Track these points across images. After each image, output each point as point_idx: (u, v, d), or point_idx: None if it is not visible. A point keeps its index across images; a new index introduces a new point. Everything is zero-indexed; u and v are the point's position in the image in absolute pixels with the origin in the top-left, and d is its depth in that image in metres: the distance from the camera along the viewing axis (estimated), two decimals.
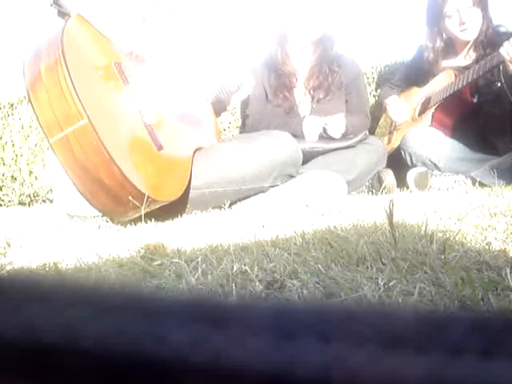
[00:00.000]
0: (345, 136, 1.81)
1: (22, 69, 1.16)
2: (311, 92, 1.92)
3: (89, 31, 1.25)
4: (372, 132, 2.17)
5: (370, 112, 2.06)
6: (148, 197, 1.14)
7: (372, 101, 2.65)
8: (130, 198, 1.13)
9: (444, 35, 1.98)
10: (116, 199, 1.15)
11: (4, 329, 0.13)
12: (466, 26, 1.87)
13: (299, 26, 1.87)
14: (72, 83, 1.08)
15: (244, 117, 2.02)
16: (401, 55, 2.72)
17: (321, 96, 1.90)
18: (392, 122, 2.20)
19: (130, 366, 0.12)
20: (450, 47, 2.00)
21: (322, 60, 1.92)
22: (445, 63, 2.03)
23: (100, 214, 1.30)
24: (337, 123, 1.79)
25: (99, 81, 1.21)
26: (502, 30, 1.91)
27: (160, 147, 1.25)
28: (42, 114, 1.12)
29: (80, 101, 1.08)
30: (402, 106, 2.11)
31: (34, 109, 1.14)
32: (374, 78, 2.76)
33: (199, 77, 1.59)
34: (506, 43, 1.64)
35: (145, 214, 1.16)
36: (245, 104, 1.92)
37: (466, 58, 1.99)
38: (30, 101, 1.15)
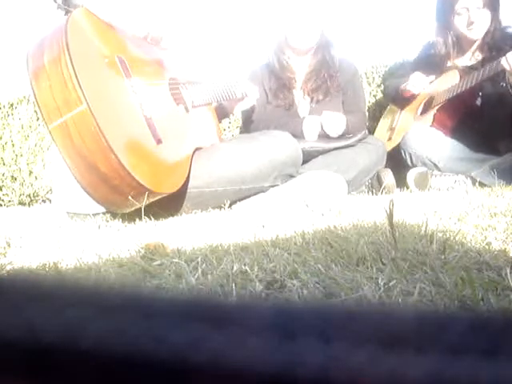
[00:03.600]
0: (343, 135, 1.82)
1: (26, 58, 1.17)
2: (310, 94, 1.94)
3: (94, 23, 1.26)
4: (372, 132, 2.17)
5: (370, 112, 2.06)
6: (145, 187, 1.14)
7: (372, 101, 2.65)
8: (126, 187, 1.13)
9: (452, 32, 1.98)
10: (113, 188, 1.15)
11: (4, 329, 0.13)
12: (474, 25, 1.87)
13: (294, 35, 1.89)
14: (74, 71, 1.09)
15: (244, 117, 2.03)
16: (401, 55, 2.72)
17: (320, 97, 1.92)
18: (393, 121, 2.19)
19: (130, 365, 0.12)
20: (458, 45, 2.00)
21: (321, 64, 1.94)
22: (454, 61, 2.02)
23: (100, 212, 1.29)
24: (334, 121, 1.80)
25: (101, 71, 1.21)
26: (510, 30, 1.91)
27: (159, 141, 1.25)
28: (42, 100, 1.13)
29: (80, 87, 1.09)
30: (421, 77, 2.06)
31: (34, 95, 1.15)
32: (373, 78, 2.76)
33: (204, 76, 1.59)
34: (508, 54, 1.64)
35: (144, 212, 1.16)
36: None
37: (472, 58, 1.99)
38: (31, 88, 1.16)
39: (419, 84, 2.02)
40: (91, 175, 1.14)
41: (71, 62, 1.09)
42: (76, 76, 1.09)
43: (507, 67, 1.64)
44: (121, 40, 1.33)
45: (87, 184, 1.16)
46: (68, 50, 1.10)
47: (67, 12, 1.30)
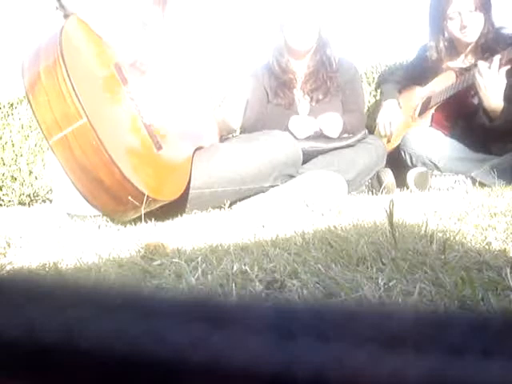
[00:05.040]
0: (343, 135, 1.82)
1: (21, 70, 1.17)
2: (309, 94, 1.95)
3: (87, 32, 1.26)
4: (371, 131, 2.17)
5: (370, 112, 2.07)
6: (147, 196, 1.14)
7: (372, 101, 2.65)
8: (129, 197, 1.13)
9: (446, 35, 1.98)
10: (116, 199, 1.15)
11: (4, 329, 0.13)
12: (467, 29, 1.87)
13: (293, 37, 1.90)
14: (71, 84, 1.08)
15: (244, 117, 2.03)
16: (401, 55, 2.72)
17: (320, 97, 1.93)
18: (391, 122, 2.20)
19: (130, 365, 0.12)
20: (452, 47, 2.01)
21: (320, 65, 1.95)
22: (447, 63, 2.03)
23: (100, 214, 1.29)
24: (331, 122, 1.81)
25: (98, 81, 1.21)
26: (504, 31, 1.91)
27: (159, 147, 1.25)
28: (41, 115, 1.13)
29: (79, 101, 1.08)
30: (396, 115, 2.10)
31: (33, 110, 1.14)
32: (373, 78, 2.76)
33: (201, 80, 1.59)
34: (479, 64, 1.66)
35: (145, 214, 1.16)
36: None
37: (466, 60, 1.99)
38: (29, 102, 1.15)
39: (387, 128, 2.10)
40: (94, 187, 1.14)
41: (68, 76, 1.09)
42: (74, 89, 1.08)
43: (475, 79, 1.67)
44: (113, 50, 1.32)
45: (90, 196, 1.16)
46: (64, 62, 1.10)
47: (65, 16, 1.30)
